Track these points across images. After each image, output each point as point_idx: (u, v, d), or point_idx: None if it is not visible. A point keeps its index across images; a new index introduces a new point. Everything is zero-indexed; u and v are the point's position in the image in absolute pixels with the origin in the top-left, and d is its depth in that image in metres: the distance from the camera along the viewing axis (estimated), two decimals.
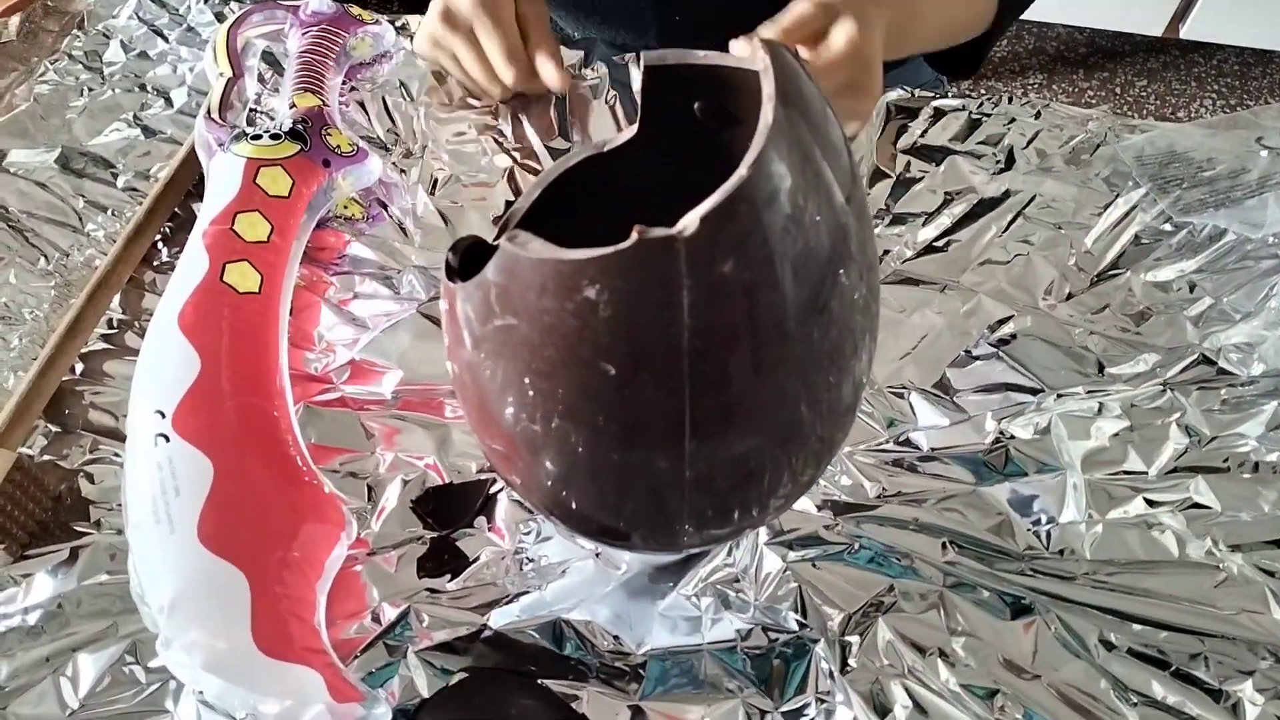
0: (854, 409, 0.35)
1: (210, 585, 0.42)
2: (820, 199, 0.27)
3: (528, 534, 0.51)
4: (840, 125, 0.30)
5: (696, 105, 0.35)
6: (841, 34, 0.54)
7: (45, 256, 0.61)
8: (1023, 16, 1.98)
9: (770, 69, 0.26)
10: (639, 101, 0.35)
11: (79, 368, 0.57)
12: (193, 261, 0.51)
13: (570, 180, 0.37)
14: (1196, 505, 0.51)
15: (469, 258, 0.31)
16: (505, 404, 0.31)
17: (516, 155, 0.67)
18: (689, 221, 0.24)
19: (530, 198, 0.36)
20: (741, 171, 0.24)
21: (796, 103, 0.26)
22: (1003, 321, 0.57)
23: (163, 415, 0.45)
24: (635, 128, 0.36)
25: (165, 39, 0.72)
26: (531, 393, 0.29)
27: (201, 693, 0.44)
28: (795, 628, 0.47)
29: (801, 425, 0.31)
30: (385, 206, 0.63)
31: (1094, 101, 1.95)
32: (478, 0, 0.61)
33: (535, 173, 0.66)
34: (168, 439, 0.45)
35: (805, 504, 0.51)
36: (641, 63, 0.33)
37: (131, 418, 0.47)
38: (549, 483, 0.34)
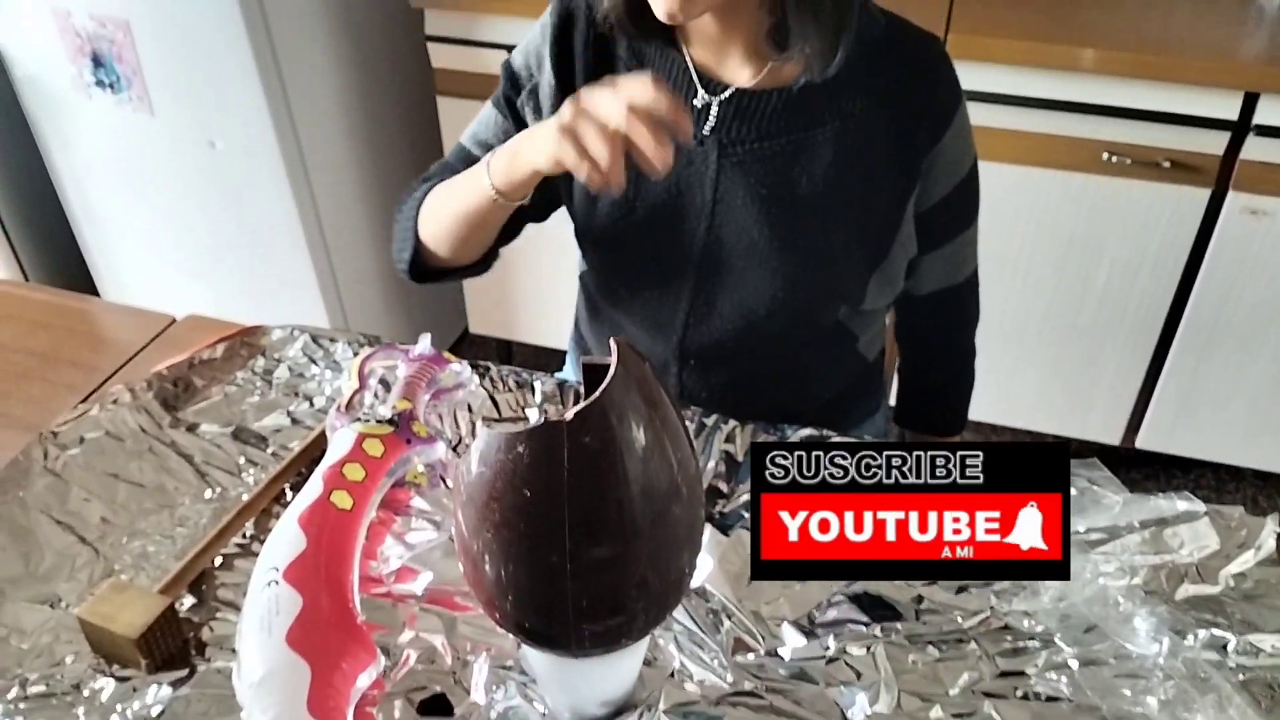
0: (682, 582, 0.60)
1: (287, 670, 0.65)
2: (646, 420, 0.54)
3: (496, 693, 0.72)
4: (681, 417, 0.58)
5: None
6: None
7: (212, 490, 0.90)
8: (990, 420, 2.21)
9: (616, 353, 0.54)
10: (582, 385, 0.64)
11: (219, 560, 0.83)
12: (313, 486, 0.79)
13: None
14: (982, 714, 0.70)
15: None
16: (473, 527, 0.56)
17: None
18: (569, 415, 0.51)
19: None
20: (596, 393, 0.52)
21: (631, 368, 0.54)
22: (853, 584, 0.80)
23: (276, 569, 0.71)
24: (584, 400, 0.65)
25: (317, 365, 1.06)
26: (487, 511, 0.54)
27: None
28: None
29: (640, 557, 0.56)
30: (443, 478, 0.91)
31: None
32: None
33: None
34: (278, 583, 0.70)
35: (694, 691, 0.72)
36: (580, 361, 0.62)
37: (256, 571, 0.72)
38: (495, 589, 0.58)
